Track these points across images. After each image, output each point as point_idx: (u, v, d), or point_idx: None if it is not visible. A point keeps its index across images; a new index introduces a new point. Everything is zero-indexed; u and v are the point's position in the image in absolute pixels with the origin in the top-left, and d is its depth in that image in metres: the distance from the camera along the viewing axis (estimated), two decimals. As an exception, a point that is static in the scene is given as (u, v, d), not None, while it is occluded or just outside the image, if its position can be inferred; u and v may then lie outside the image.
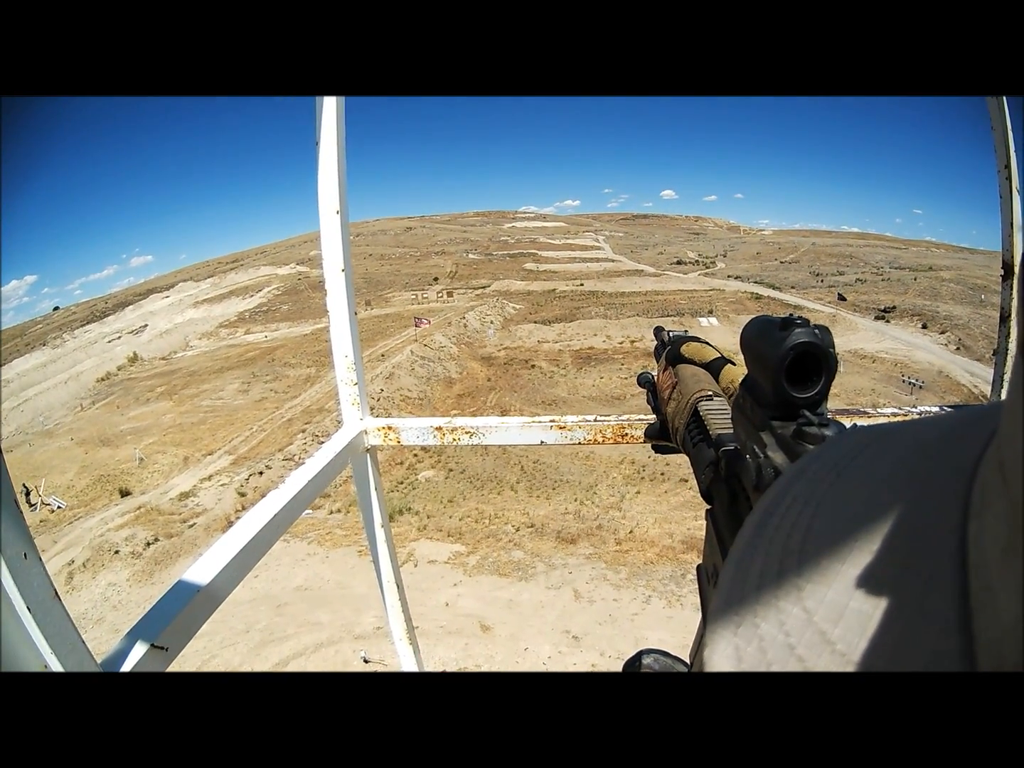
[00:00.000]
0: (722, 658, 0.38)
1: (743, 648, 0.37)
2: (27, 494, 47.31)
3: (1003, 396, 2.13)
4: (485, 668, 25.34)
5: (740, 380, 0.88)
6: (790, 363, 0.71)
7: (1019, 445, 0.27)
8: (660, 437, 1.43)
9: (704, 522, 0.99)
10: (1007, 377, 2.44)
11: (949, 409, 2.39)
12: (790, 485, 0.47)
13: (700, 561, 1.02)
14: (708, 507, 0.99)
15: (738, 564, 0.44)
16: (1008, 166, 2.33)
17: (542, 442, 2.38)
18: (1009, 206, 2.37)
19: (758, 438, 0.77)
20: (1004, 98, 2.25)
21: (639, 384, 1.53)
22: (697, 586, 1.01)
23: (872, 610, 0.32)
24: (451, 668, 25.05)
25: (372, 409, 2.54)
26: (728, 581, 0.44)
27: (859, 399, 60.61)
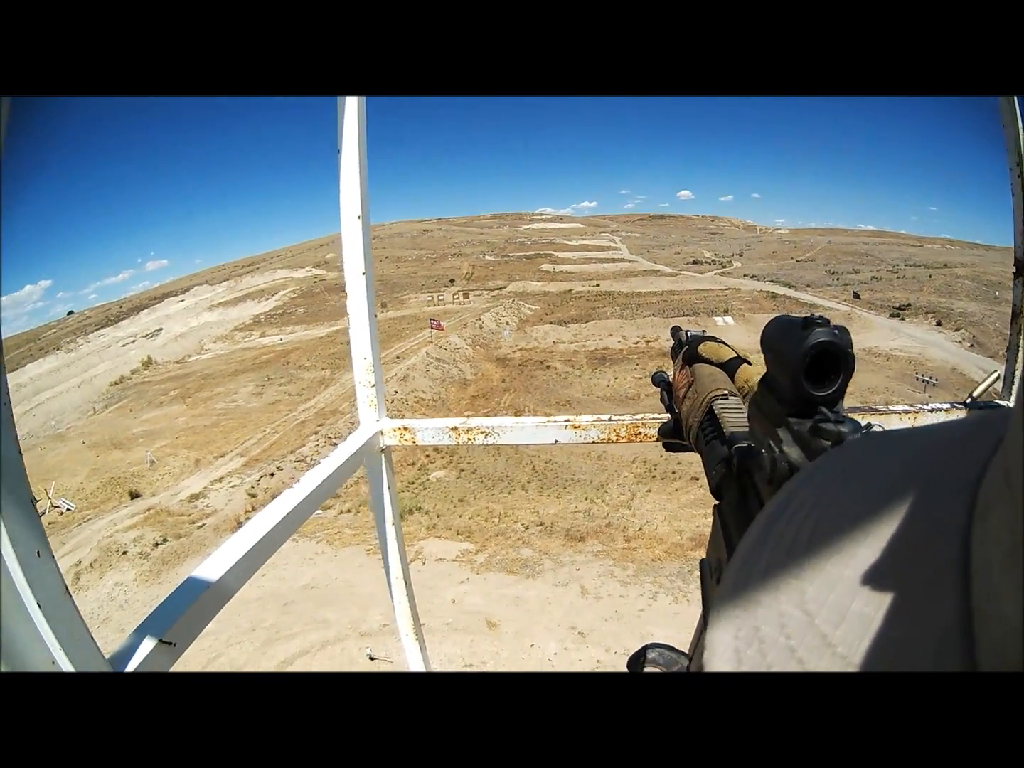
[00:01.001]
0: (722, 661, 0.38)
1: (743, 651, 0.37)
2: (33, 501, 47.19)
3: (1014, 393, 2.13)
4: (491, 665, 25.54)
5: (756, 379, 0.89)
6: (810, 362, 0.72)
7: (1022, 453, 0.28)
8: (673, 435, 1.43)
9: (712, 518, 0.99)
10: (1019, 374, 2.44)
11: (960, 406, 2.39)
12: (798, 489, 0.48)
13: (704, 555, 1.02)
14: (716, 503, 0.99)
15: (743, 563, 0.44)
16: (1020, 163, 2.34)
17: (556, 441, 2.40)
18: (1021, 203, 2.38)
19: (775, 434, 0.78)
20: (1015, 98, 2.25)
21: (654, 383, 1.53)
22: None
23: (874, 612, 0.32)
24: (457, 665, 25.36)
25: (386, 411, 2.55)
26: (732, 580, 0.44)
27: (872, 397, 60.37)
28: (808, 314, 0.75)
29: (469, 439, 2.47)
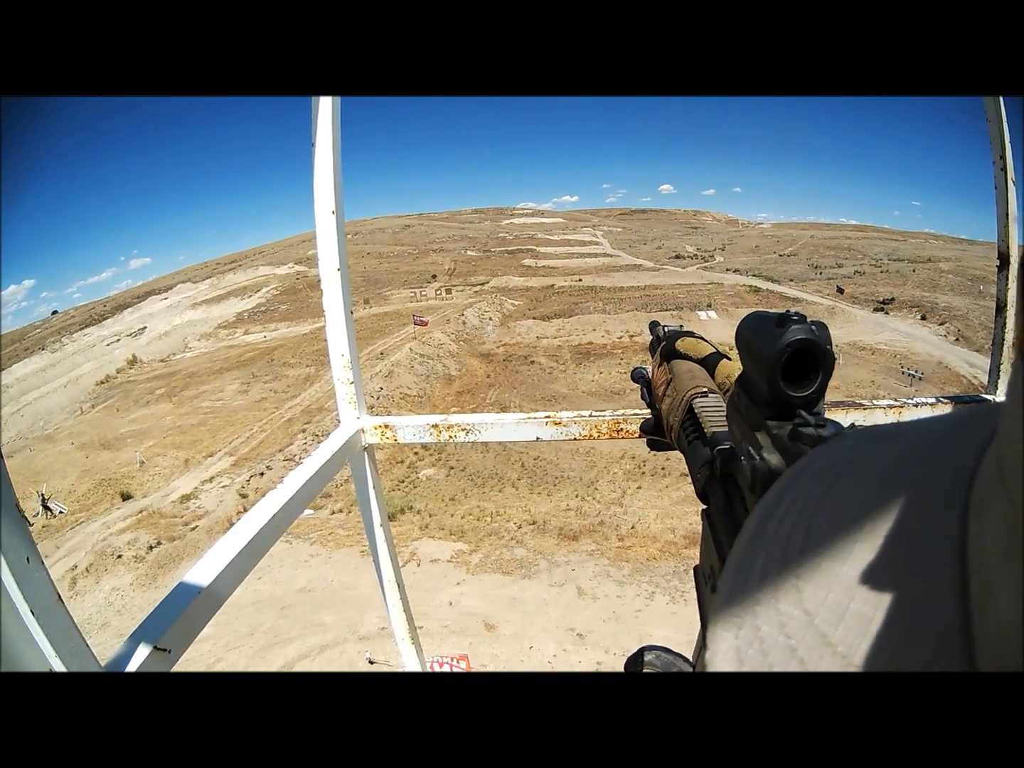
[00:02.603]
0: (723, 661, 0.38)
1: (744, 651, 0.37)
2: (44, 500, 46.81)
3: (999, 387, 2.15)
4: (490, 667, 25.37)
5: (736, 375, 0.88)
6: (786, 360, 0.70)
7: (1018, 447, 0.27)
8: (655, 432, 1.42)
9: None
10: (1004, 368, 2.46)
11: (945, 400, 2.41)
12: (789, 486, 0.47)
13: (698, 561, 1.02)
14: (704, 507, 0.99)
15: (738, 566, 0.44)
16: (1003, 157, 2.35)
17: (537, 438, 2.40)
18: (1004, 197, 2.39)
19: (753, 438, 0.76)
20: (1000, 97, 2.27)
21: (633, 380, 1.52)
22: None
23: (872, 612, 0.32)
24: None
25: (372, 408, 2.55)
26: (729, 583, 0.44)
27: (859, 391, 60.56)
28: (784, 310, 0.74)
29: (450, 436, 2.46)
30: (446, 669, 22.67)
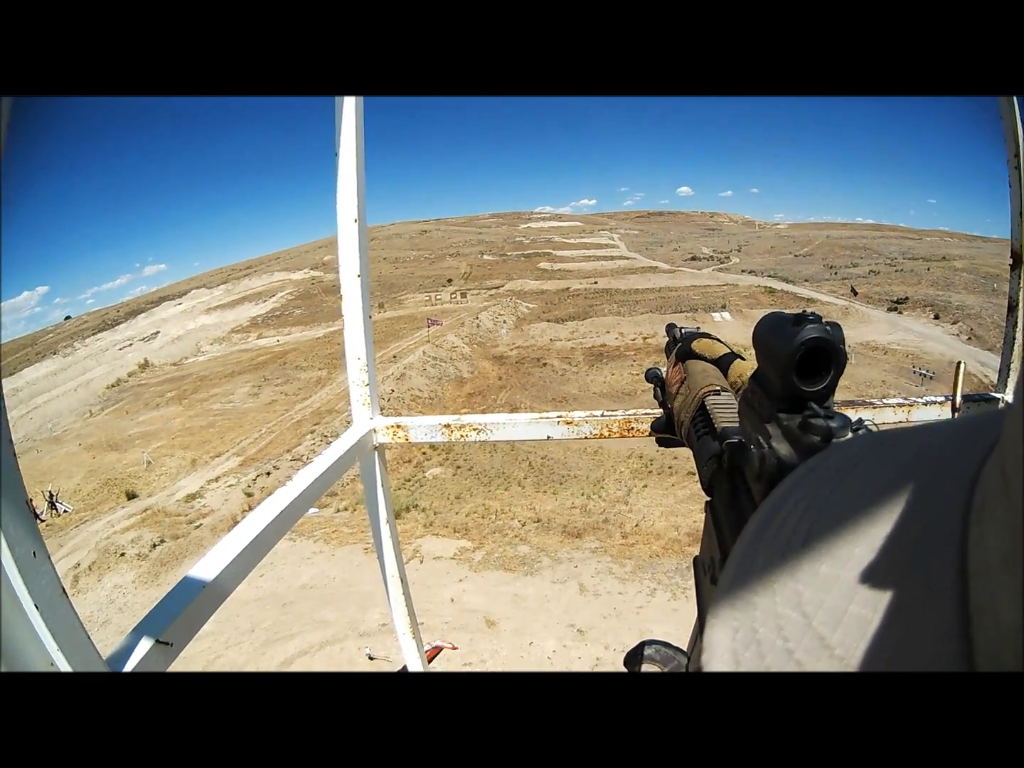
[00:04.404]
0: (720, 663, 0.38)
1: (741, 653, 0.37)
2: (52, 498, 47.19)
3: (1008, 386, 2.13)
4: (490, 663, 25.55)
5: (749, 374, 0.89)
6: (801, 357, 0.72)
7: (1020, 452, 0.27)
8: (666, 431, 1.43)
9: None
10: (1014, 367, 2.45)
11: (954, 398, 2.40)
12: (793, 489, 0.48)
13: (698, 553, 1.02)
14: (708, 499, 0.99)
15: (739, 566, 0.44)
16: (1017, 156, 2.35)
17: (548, 437, 2.41)
18: (1019, 196, 2.40)
19: (764, 429, 0.78)
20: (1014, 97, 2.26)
21: (647, 379, 1.53)
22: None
23: (871, 615, 0.32)
24: (456, 663, 25.43)
25: (382, 410, 2.56)
26: (728, 583, 0.44)
27: (869, 391, 60.40)
28: (800, 310, 0.76)
29: (462, 436, 2.48)
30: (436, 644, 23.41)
